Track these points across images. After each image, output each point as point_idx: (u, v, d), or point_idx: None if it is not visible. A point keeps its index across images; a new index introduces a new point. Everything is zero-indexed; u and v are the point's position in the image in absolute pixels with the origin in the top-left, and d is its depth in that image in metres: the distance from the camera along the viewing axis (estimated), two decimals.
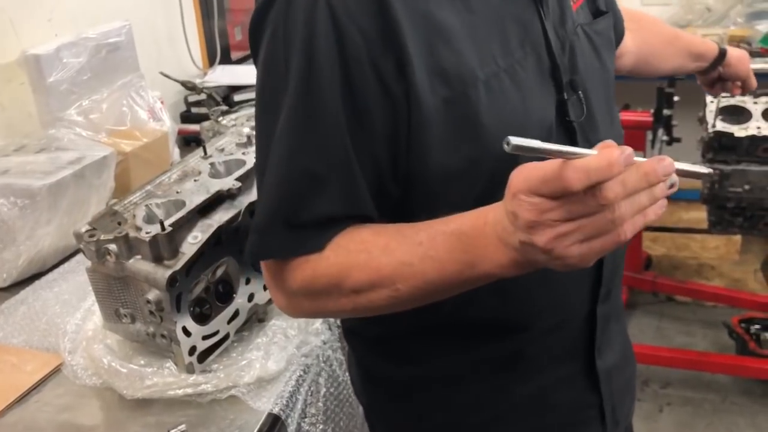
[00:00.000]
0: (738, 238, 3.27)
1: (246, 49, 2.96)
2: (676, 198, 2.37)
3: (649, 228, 3.49)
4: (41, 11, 1.59)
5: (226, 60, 2.48)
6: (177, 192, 0.99)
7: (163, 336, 0.95)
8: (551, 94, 0.73)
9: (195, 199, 0.97)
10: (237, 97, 2.11)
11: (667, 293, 3.05)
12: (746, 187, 2.16)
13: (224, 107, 1.32)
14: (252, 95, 2.03)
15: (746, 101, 2.17)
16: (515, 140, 0.50)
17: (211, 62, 2.38)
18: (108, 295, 0.98)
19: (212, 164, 1.05)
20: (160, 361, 0.98)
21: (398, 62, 0.64)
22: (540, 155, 0.51)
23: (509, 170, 0.56)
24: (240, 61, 2.74)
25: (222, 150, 1.10)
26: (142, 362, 0.99)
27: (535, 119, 0.71)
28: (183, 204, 0.96)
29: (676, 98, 2.79)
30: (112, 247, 0.92)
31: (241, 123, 1.27)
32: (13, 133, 1.48)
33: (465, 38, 0.68)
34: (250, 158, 1.05)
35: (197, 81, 2.20)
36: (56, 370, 1.04)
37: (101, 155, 1.36)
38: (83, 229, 0.94)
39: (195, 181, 1.01)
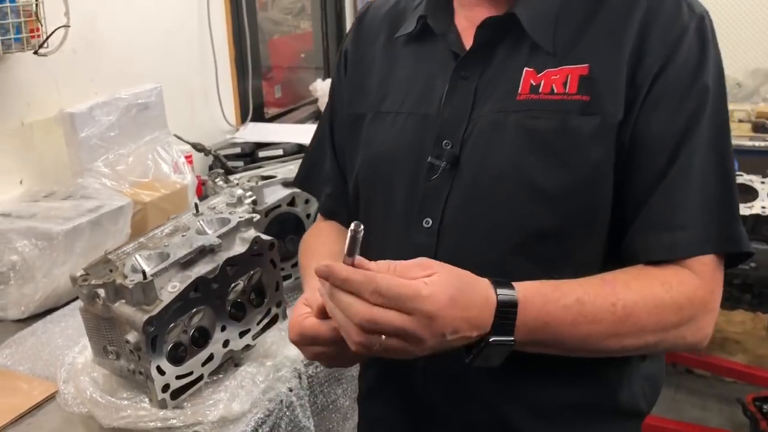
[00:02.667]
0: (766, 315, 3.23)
1: (283, 106, 3.15)
2: None
3: None
4: (84, 72, 1.78)
5: (258, 117, 2.66)
6: (165, 245, 1.12)
7: (140, 373, 1.07)
8: (425, 149, 0.89)
9: (178, 252, 1.09)
10: (262, 153, 2.27)
11: (684, 365, 3.03)
12: (752, 264, 2.18)
13: (221, 170, 1.45)
14: (275, 152, 2.19)
15: (754, 181, 2.21)
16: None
17: (244, 119, 2.56)
18: (97, 333, 1.10)
19: (201, 222, 1.17)
20: (139, 395, 1.10)
21: (339, 88, 1.05)
22: None
23: (376, 174, 0.94)
24: (275, 118, 2.93)
25: (213, 208, 1.23)
26: (125, 395, 1.10)
27: (405, 154, 0.91)
28: (167, 256, 1.09)
29: None
30: (101, 291, 1.05)
31: (242, 184, 1.40)
32: (47, 180, 1.65)
33: (377, 82, 0.97)
34: (235, 218, 1.18)
35: (228, 137, 2.39)
36: (51, 397, 1.16)
37: (118, 205, 1.51)
38: (78, 274, 1.07)
39: (182, 236, 1.14)
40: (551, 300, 0.75)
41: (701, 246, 0.80)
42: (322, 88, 2.83)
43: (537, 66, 0.84)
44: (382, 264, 0.71)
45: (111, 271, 1.08)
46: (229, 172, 1.53)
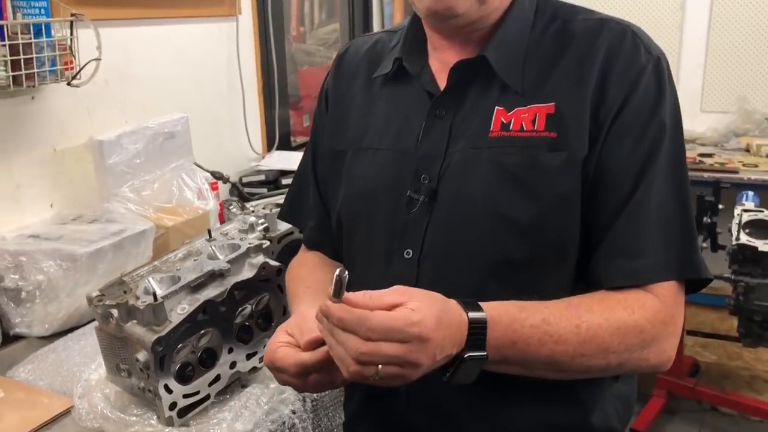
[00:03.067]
0: None
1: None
2: (727, 306, 2.38)
3: (699, 333, 3.44)
4: (115, 101, 1.87)
5: (284, 145, 2.74)
6: (177, 269, 1.17)
7: (149, 391, 1.12)
8: (404, 183, 0.94)
9: (189, 276, 1.15)
10: (285, 181, 2.34)
11: (710, 402, 2.98)
12: None
13: (235, 199, 1.51)
14: None
15: None
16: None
17: (270, 147, 2.63)
18: (110, 351, 1.16)
19: (212, 247, 1.23)
20: (148, 412, 1.15)
21: (320, 125, 1.11)
22: None
23: (358, 208, 0.99)
24: (302, 146, 3.00)
25: (226, 234, 1.29)
26: (135, 412, 1.15)
27: (386, 188, 0.97)
28: (178, 279, 1.14)
29: (720, 206, 2.82)
30: (115, 311, 1.11)
31: (257, 211, 1.46)
32: (76, 204, 1.73)
33: (357, 119, 1.03)
34: (245, 244, 1.23)
35: (253, 164, 2.47)
36: (67, 412, 1.22)
37: (141, 229, 1.58)
38: (94, 294, 1.13)
39: (194, 260, 1.20)
40: (518, 319, 0.80)
41: (660, 272, 0.85)
42: None
43: (507, 105, 0.90)
44: (359, 295, 0.75)
45: (125, 292, 1.14)
46: (245, 199, 1.59)
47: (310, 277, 1.09)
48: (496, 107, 0.90)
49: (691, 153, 3.31)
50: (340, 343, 0.74)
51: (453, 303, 0.78)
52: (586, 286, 0.88)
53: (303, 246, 1.19)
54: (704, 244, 2.79)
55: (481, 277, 0.89)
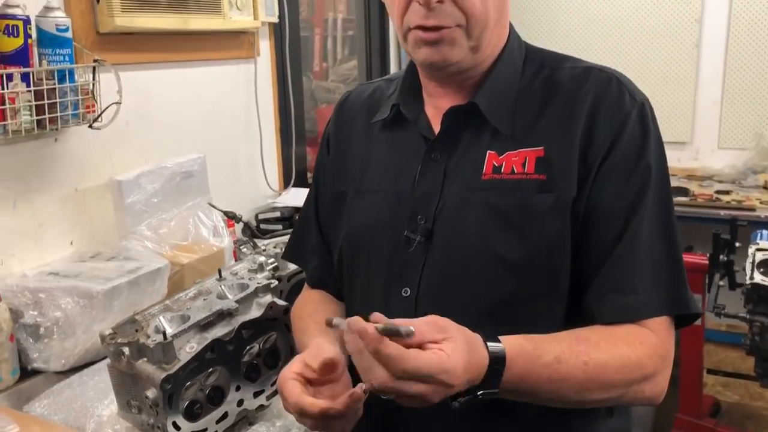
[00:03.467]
0: None
1: None
2: (743, 345, 2.36)
3: (720, 372, 3.39)
4: (135, 142, 1.93)
5: (301, 182, 2.79)
6: (187, 308, 1.21)
7: (158, 427, 1.15)
8: (402, 223, 0.97)
9: (198, 315, 1.18)
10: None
11: None
12: None
13: (245, 239, 1.55)
14: None
15: None
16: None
17: (287, 184, 2.69)
18: (122, 388, 1.19)
19: (222, 286, 1.27)
20: None
21: (322, 168, 1.16)
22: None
23: (358, 248, 1.03)
24: None
25: (236, 274, 1.33)
26: None
27: (384, 228, 1.00)
28: (188, 318, 1.18)
29: (738, 244, 2.80)
30: (126, 349, 1.14)
31: (268, 250, 1.50)
32: (95, 242, 1.79)
33: (357, 162, 1.07)
34: (253, 283, 1.26)
35: (269, 201, 2.51)
36: None
37: (156, 266, 1.63)
38: (107, 332, 1.17)
39: (204, 299, 1.23)
40: (532, 358, 0.83)
41: (653, 309, 0.89)
42: None
43: (498, 149, 0.94)
44: (400, 322, 0.76)
45: (137, 330, 1.17)
46: (257, 237, 1.63)
47: (317, 313, 1.12)
48: (488, 151, 0.95)
49: (708, 190, 3.31)
50: (367, 369, 0.76)
51: (479, 342, 0.80)
52: (579, 322, 0.92)
53: (306, 285, 1.22)
54: (721, 282, 2.77)
55: (476, 315, 0.92)
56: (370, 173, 1.05)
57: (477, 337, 0.81)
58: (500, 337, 0.82)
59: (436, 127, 1.00)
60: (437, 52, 0.92)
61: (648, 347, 0.88)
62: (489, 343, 0.81)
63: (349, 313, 1.08)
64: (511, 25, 1.03)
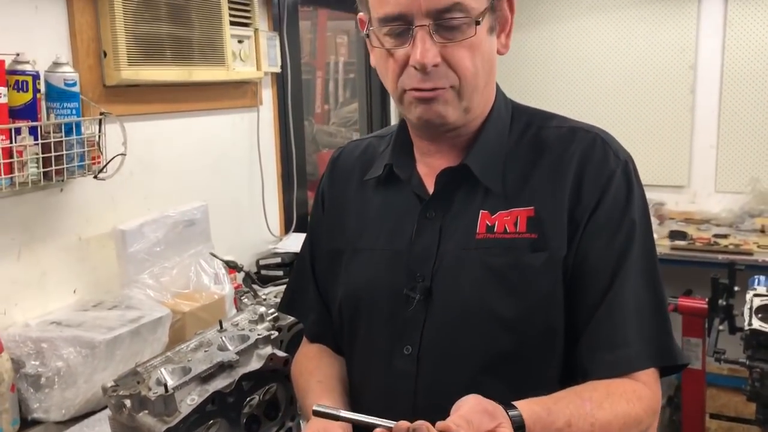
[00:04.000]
0: None
1: None
2: (744, 392, 2.35)
3: (723, 417, 3.37)
4: (139, 191, 1.97)
5: (302, 227, 2.81)
6: (188, 360, 1.22)
7: None
8: (400, 281, 0.99)
9: (199, 367, 1.19)
10: None
11: None
12: None
13: (246, 290, 1.57)
14: None
15: None
16: (316, 407, 0.79)
17: (287, 229, 2.71)
18: None
19: (223, 338, 1.28)
20: None
21: (317, 225, 1.17)
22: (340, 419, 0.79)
23: (358, 306, 1.04)
24: None
25: (236, 325, 1.34)
26: None
27: (383, 287, 1.01)
28: (189, 370, 1.19)
29: (736, 288, 2.81)
30: (128, 401, 1.15)
31: (269, 299, 1.52)
32: (98, 290, 1.81)
33: (353, 220, 1.09)
34: (254, 335, 1.28)
35: (270, 247, 2.54)
36: None
37: (158, 316, 1.64)
38: (109, 384, 1.18)
39: (205, 351, 1.24)
40: (547, 424, 0.85)
41: (642, 361, 0.92)
42: None
43: (490, 208, 0.97)
44: (458, 420, 0.77)
45: (138, 383, 1.18)
46: (258, 285, 1.65)
47: (319, 371, 1.13)
48: (481, 210, 0.98)
49: (706, 234, 3.33)
50: None
51: (506, 419, 0.81)
52: (571, 375, 0.94)
53: (305, 338, 1.23)
54: (721, 327, 2.78)
55: (476, 371, 0.95)
56: (366, 231, 1.07)
57: (504, 413, 0.82)
58: (514, 404, 0.84)
59: (429, 186, 1.03)
60: (432, 110, 0.95)
61: (644, 402, 0.91)
62: (509, 412, 0.82)
63: (350, 369, 1.09)
64: (496, 84, 1.06)
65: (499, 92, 1.06)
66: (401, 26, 0.92)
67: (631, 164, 0.99)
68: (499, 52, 1.01)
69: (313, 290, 1.18)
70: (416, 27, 0.90)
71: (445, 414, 0.95)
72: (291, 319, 1.51)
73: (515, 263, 0.94)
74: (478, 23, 0.91)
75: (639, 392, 0.91)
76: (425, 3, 0.89)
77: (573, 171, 0.96)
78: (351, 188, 1.13)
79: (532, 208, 0.95)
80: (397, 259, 1.01)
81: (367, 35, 0.97)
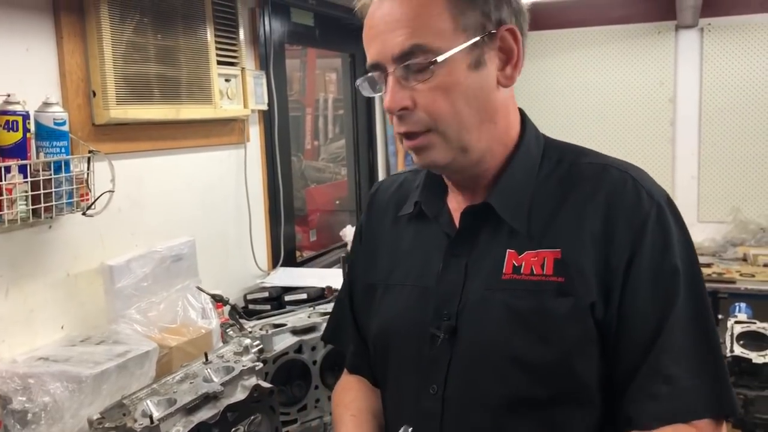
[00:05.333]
0: None
1: (318, 249, 3.34)
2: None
3: None
4: (127, 227, 2.00)
5: (289, 261, 2.84)
6: (174, 391, 1.24)
7: None
8: (427, 319, 0.99)
9: (185, 398, 1.21)
10: (288, 297, 2.42)
11: None
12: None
13: (231, 322, 1.59)
14: (299, 296, 2.32)
15: (767, 328, 2.22)
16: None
17: (275, 264, 2.74)
18: None
19: (208, 370, 1.30)
20: None
21: (356, 259, 1.18)
22: None
23: (388, 342, 1.05)
24: (308, 261, 3.11)
25: (222, 357, 1.36)
26: None
27: (411, 324, 1.01)
28: (174, 402, 1.21)
29: (719, 316, 2.84)
30: None
31: (254, 332, 1.54)
32: (85, 325, 1.82)
33: (386, 255, 1.10)
34: (239, 366, 1.30)
35: (258, 281, 2.56)
36: None
37: (145, 350, 1.65)
38: (95, 417, 1.20)
39: (191, 383, 1.26)
40: None
41: (700, 409, 0.88)
42: (350, 233, 3.01)
43: (517, 247, 0.95)
44: None
45: (124, 414, 1.20)
46: (244, 319, 1.67)
47: (353, 404, 1.14)
48: (508, 250, 0.95)
49: None
50: None
51: None
52: (614, 427, 0.91)
53: (345, 369, 1.24)
54: None
55: (500, 414, 0.94)
56: (398, 267, 1.07)
57: None
58: None
59: (458, 223, 1.02)
60: (423, 157, 0.96)
61: None
62: None
63: (384, 405, 1.10)
64: (526, 119, 1.04)
65: (530, 127, 1.03)
66: (381, 74, 0.94)
67: (667, 204, 0.94)
68: (501, 84, 0.96)
69: (351, 323, 1.19)
70: (388, 74, 0.93)
71: None
72: (276, 351, 1.54)
73: (539, 308, 0.91)
74: (434, 63, 0.89)
75: None
76: (389, 50, 0.91)
77: (601, 213, 0.92)
78: (386, 223, 1.13)
79: (558, 250, 0.92)
80: (425, 295, 1.01)
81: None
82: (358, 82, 1.00)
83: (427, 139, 0.94)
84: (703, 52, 3.71)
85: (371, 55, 0.94)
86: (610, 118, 3.90)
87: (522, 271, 0.93)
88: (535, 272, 0.92)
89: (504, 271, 0.95)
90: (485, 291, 0.96)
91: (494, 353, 0.93)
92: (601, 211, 0.92)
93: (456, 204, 1.04)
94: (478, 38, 0.92)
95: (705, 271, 3.21)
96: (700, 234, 3.71)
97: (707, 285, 2.77)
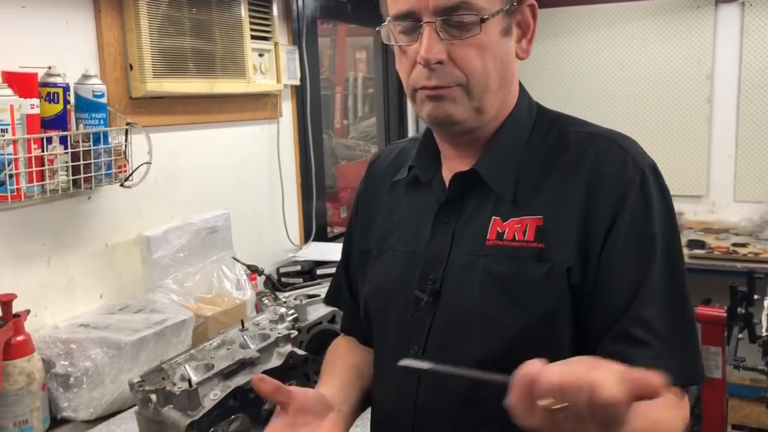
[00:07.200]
0: None
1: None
2: (763, 398, 2.34)
3: (746, 428, 3.34)
4: (163, 199, 2.03)
5: (321, 236, 2.86)
6: (212, 357, 1.27)
7: None
8: (414, 282, 1.01)
9: (222, 364, 1.24)
10: (320, 271, 2.45)
11: None
12: None
13: (266, 290, 1.62)
14: (330, 270, 2.35)
15: None
16: (403, 362, 0.81)
17: (307, 239, 2.76)
18: None
19: (244, 336, 1.32)
20: None
21: (353, 226, 1.19)
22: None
23: (376, 304, 1.07)
24: (339, 237, 3.13)
25: (257, 324, 1.38)
26: None
27: (398, 287, 1.03)
28: (212, 367, 1.23)
29: (755, 296, 2.80)
30: (153, 396, 1.20)
31: (288, 302, 1.56)
32: (124, 295, 1.86)
33: (382, 222, 1.11)
34: (274, 334, 1.32)
35: (290, 255, 2.59)
36: None
37: (181, 319, 1.69)
38: (135, 380, 1.23)
39: (227, 349, 1.29)
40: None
41: (674, 378, 0.84)
42: None
43: (502, 214, 0.97)
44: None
45: (164, 378, 1.23)
46: (278, 290, 1.69)
47: (340, 360, 1.17)
48: (493, 216, 0.97)
49: (725, 243, 3.32)
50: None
51: None
52: None
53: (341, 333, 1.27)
54: (741, 335, 2.77)
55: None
56: (393, 233, 1.09)
57: None
58: None
59: (447, 190, 1.04)
60: (440, 108, 0.96)
61: (681, 412, 0.89)
62: None
63: (374, 362, 1.12)
64: (522, 88, 1.05)
65: (524, 96, 1.04)
66: (411, 23, 0.93)
67: (651, 172, 0.94)
68: (518, 57, 0.99)
69: (345, 287, 1.22)
70: (424, 23, 0.92)
71: (445, 415, 0.97)
72: (310, 320, 1.56)
73: (516, 272, 0.92)
74: (483, 20, 0.91)
75: (676, 402, 0.88)
76: (433, 1, 0.90)
77: (585, 180, 0.93)
78: (383, 190, 1.15)
79: (541, 217, 0.94)
80: (414, 260, 1.03)
81: (379, 32, 0.98)
82: (382, 28, 0.99)
83: (452, 93, 0.95)
84: (743, 27, 3.62)
85: (405, 2, 0.93)
86: (645, 96, 3.83)
87: (505, 237, 0.95)
88: (517, 238, 0.94)
89: (488, 237, 0.96)
90: (469, 256, 0.97)
91: (471, 316, 0.94)
92: (585, 179, 0.93)
93: (448, 171, 1.05)
94: (509, 6, 0.95)
95: (740, 251, 3.18)
96: (737, 214, 3.65)
97: (743, 265, 2.76)
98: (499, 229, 0.96)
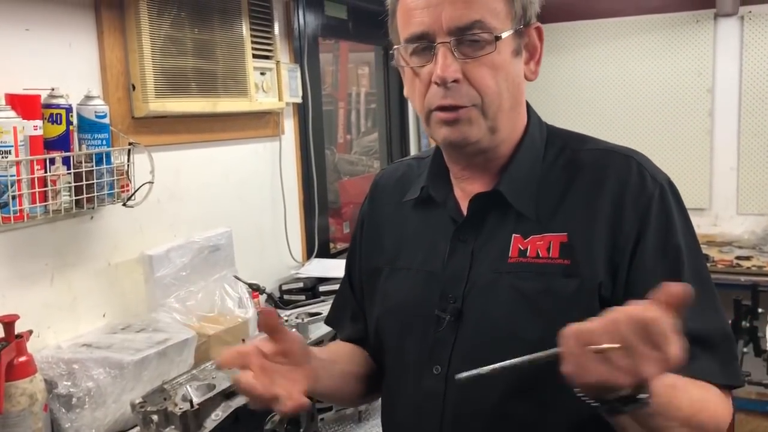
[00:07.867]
0: None
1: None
2: None
3: None
4: (166, 218, 2.04)
5: (324, 253, 2.87)
6: (213, 377, 1.27)
7: None
8: (433, 302, 1.00)
9: (223, 383, 1.24)
10: (323, 288, 2.45)
11: None
12: None
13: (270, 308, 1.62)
14: (332, 287, 2.35)
15: None
16: (461, 375, 0.80)
17: (309, 255, 2.77)
18: None
19: None
20: None
21: (357, 244, 1.18)
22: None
23: (393, 325, 1.06)
24: (341, 252, 3.13)
25: None
26: None
27: (417, 307, 1.03)
28: (213, 387, 1.24)
29: (760, 310, 2.80)
30: (155, 417, 1.20)
31: (290, 320, 1.56)
32: (126, 314, 1.87)
33: (391, 239, 1.11)
34: None
35: (293, 272, 2.59)
36: None
37: (184, 338, 1.69)
38: (137, 401, 1.23)
39: (228, 369, 1.29)
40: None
41: (717, 376, 0.90)
42: None
43: (523, 232, 0.98)
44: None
45: (165, 399, 1.24)
46: (280, 308, 1.70)
47: (342, 349, 1.18)
48: (514, 234, 0.98)
49: (729, 256, 3.32)
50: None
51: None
52: None
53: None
54: (745, 349, 2.76)
55: (503, 394, 0.95)
56: (403, 251, 1.09)
57: None
58: None
59: (464, 209, 1.04)
60: (456, 131, 0.97)
61: (728, 409, 0.91)
62: None
63: (384, 387, 1.12)
64: (531, 108, 1.07)
65: (534, 116, 1.06)
66: (425, 45, 0.95)
67: (668, 186, 0.98)
68: (527, 78, 1.02)
69: (351, 307, 1.21)
70: (438, 44, 0.93)
71: None
72: (313, 338, 1.56)
73: (546, 289, 0.93)
74: (498, 39, 0.93)
75: (723, 397, 0.90)
76: (447, 21, 0.92)
77: (609, 197, 0.95)
78: (390, 209, 1.15)
79: (565, 234, 0.95)
80: (431, 279, 1.03)
81: (392, 55, 1.00)
82: (394, 51, 1.00)
83: (468, 113, 0.96)
84: (743, 41, 3.64)
85: (419, 24, 0.94)
86: (646, 110, 3.85)
87: (528, 254, 0.96)
88: (541, 255, 0.95)
89: (510, 254, 0.98)
90: (492, 274, 0.98)
91: (499, 334, 0.95)
92: (609, 195, 0.96)
93: (461, 192, 1.06)
94: (519, 27, 0.97)
95: (744, 264, 3.17)
96: (740, 227, 3.65)
97: (747, 278, 2.75)
98: (520, 246, 0.97)
